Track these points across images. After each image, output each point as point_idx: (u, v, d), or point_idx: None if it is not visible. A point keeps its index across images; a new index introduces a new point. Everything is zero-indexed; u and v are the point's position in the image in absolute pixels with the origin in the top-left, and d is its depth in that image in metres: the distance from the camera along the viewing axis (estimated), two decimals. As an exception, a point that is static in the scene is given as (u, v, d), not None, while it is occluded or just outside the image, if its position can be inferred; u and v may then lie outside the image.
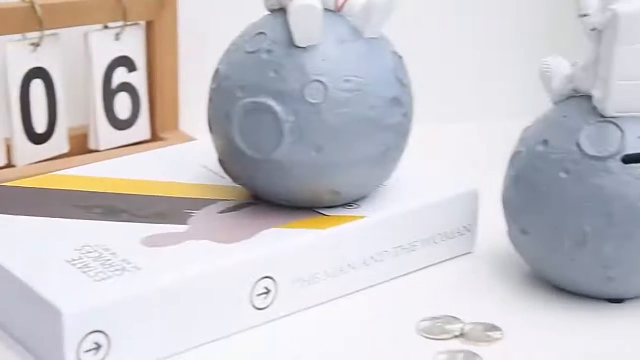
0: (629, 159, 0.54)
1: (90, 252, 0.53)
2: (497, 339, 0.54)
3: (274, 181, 0.57)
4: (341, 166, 0.56)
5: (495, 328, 0.55)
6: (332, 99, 0.55)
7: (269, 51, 0.56)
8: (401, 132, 0.58)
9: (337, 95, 0.55)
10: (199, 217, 0.58)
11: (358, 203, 0.60)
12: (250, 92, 0.56)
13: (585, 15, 0.54)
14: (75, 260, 0.53)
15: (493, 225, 0.62)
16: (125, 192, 0.60)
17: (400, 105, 0.57)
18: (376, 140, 0.57)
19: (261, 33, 0.57)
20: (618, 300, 0.57)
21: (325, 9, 0.56)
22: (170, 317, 0.52)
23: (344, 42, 0.56)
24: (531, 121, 0.59)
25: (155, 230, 0.56)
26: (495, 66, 0.86)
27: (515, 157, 0.58)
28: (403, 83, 0.58)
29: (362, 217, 0.58)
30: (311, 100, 0.55)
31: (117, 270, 0.52)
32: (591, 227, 0.54)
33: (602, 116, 0.55)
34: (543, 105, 0.59)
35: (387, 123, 0.57)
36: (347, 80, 0.55)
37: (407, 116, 0.58)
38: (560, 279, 0.57)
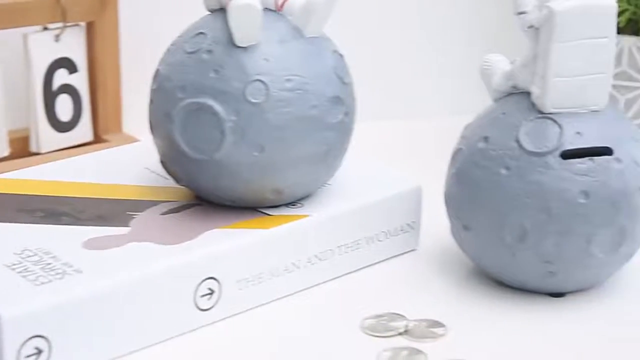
0: (567, 155, 0.54)
1: (30, 256, 0.53)
2: (441, 335, 0.54)
3: (216, 181, 0.57)
4: (283, 165, 0.56)
5: (438, 324, 0.55)
6: (273, 98, 0.55)
7: (209, 51, 0.56)
8: (343, 131, 0.58)
9: (278, 95, 0.55)
10: (141, 219, 0.57)
11: (301, 202, 0.60)
12: (190, 93, 0.55)
13: (522, 13, 0.55)
14: (14, 264, 0.52)
15: (436, 222, 0.62)
16: (67, 195, 0.60)
17: (341, 103, 0.57)
18: (318, 139, 0.57)
19: (201, 33, 0.56)
20: (559, 294, 0.58)
21: (265, 9, 0.56)
22: (112, 320, 0.51)
23: (284, 41, 0.56)
24: (472, 118, 0.59)
25: (96, 232, 0.55)
26: (436, 64, 0.87)
27: (457, 154, 0.58)
28: (344, 81, 0.58)
29: (305, 216, 0.58)
30: (252, 100, 0.55)
31: (57, 274, 0.51)
32: (531, 223, 0.54)
33: (541, 112, 0.55)
34: (484, 102, 0.60)
35: (329, 122, 0.57)
36: (288, 80, 0.55)
37: (349, 115, 0.58)
38: (502, 274, 0.58)
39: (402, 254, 0.63)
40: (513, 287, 0.58)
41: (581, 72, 0.54)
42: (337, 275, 0.60)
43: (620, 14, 0.69)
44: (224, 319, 0.55)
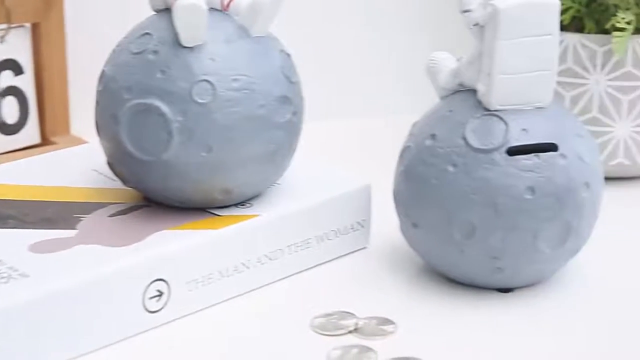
0: (513, 151, 0.55)
1: (-25, 260, 0.52)
2: (391, 332, 0.55)
3: (164, 182, 0.56)
4: (232, 165, 0.56)
5: (388, 321, 0.55)
6: (220, 98, 0.55)
7: (154, 51, 0.55)
8: (291, 130, 0.58)
9: (225, 95, 0.55)
10: (89, 221, 0.57)
11: (251, 202, 0.59)
12: (137, 93, 0.55)
13: (467, 11, 0.55)
14: (-41, 269, 0.51)
15: (386, 220, 0.63)
16: (13, 198, 0.59)
17: (289, 103, 0.57)
18: (266, 139, 0.57)
19: (146, 33, 0.56)
20: (507, 290, 0.58)
21: (211, 8, 0.56)
22: (60, 324, 0.51)
23: (230, 41, 0.56)
24: (420, 116, 0.60)
25: (43, 236, 0.55)
26: (383, 62, 0.87)
27: (405, 151, 0.59)
28: (292, 81, 0.58)
29: (255, 216, 0.58)
30: (199, 100, 0.55)
31: (2, 278, 0.51)
32: (479, 219, 0.55)
33: (487, 109, 0.56)
34: (432, 100, 0.60)
35: (277, 121, 0.57)
36: (235, 79, 0.55)
37: (297, 114, 0.59)
38: (451, 271, 0.58)
39: (353, 252, 0.63)
40: (462, 283, 0.58)
41: (526, 69, 0.55)
42: (287, 275, 0.60)
43: (564, 11, 0.70)
44: (173, 320, 0.55)
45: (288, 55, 0.59)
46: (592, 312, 0.57)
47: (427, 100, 0.63)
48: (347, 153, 0.78)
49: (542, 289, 0.59)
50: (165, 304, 0.55)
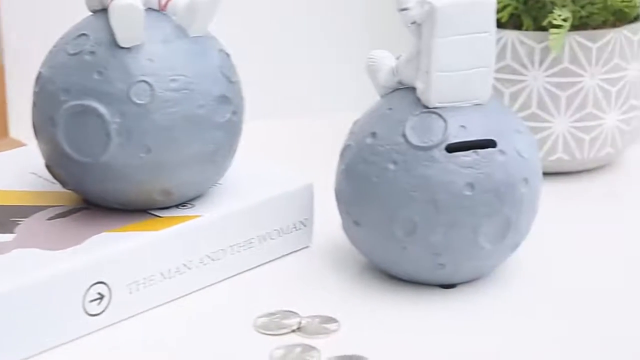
0: (452, 148, 0.55)
1: None
2: (334, 331, 0.55)
3: (103, 184, 0.56)
4: (172, 166, 0.56)
5: (331, 320, 0.55)
6: (158, 99, 0.54)
7: (91, 52, 0.55)
8: (231, 130, 0.58)
9: (163, 95, 0.55)
10: (27, 225, 0.56)
11: (192, 203, 0.59)
12: (74, 95, 0.55)
13: (404, 10, 0.55)
14: None
15: (329, 218, 0.63)
16: (-51, 202, 0.58)
17: (228, 102, 0.57)
18: (206, 139, 0.56)
19: (83, 34, 0.55)
20: (450, 286, 0.58)
21: (149, 8, 0.56)
22: (-1, 329, 0.50)
23: (168, 41, 0.55)
24: (360, 114, 0.60)
25: (-20, 240, 0.54)
26: (323, 61, 0.87)
27: (345, 150, 0.59)
28: (231, 80, 0.58)
29: (196, 217, 0.58)
30: (137, 101, 0.54)
31: (-62, 283, 0.50)
32: (419, 216, 0.55)
33: (426, 107, 0.56)
34: (373, 98, 0.60)
35: (216, 121, 0.57)
36: (173, 80, 0.55)
37: (237, 113, 0.58)
38: (393, 268, 0.58)
39: (295, 251, 0.63)
40: (405, 280, 0.59)
41: (463, 66, 0.55)
42: (230, 275, 0.60)
43: (502, 8, 0.71)
44: (115, 323, 0.55)
45: (227, 54, 0.59)
46: (533, 306, 0.58)
47: (367, 98, 0.63)
48: (288, 152, 0.78)
49: (483, 284, 0.59)
50: (107, 307, 0.54)
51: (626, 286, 0.60)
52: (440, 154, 0.55)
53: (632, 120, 0.73)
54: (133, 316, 0.55)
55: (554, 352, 0.53)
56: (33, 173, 0.62)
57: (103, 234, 0.55)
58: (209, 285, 0.59)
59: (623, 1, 0.71)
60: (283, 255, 0.62)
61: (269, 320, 0.55)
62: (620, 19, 0.73)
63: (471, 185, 0.55)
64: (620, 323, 0.56)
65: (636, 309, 0.57)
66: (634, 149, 0.77)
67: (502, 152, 0.56)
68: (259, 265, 0.61)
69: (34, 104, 0.57)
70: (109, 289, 0.54)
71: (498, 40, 0.70)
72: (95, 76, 0.54)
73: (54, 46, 0.57)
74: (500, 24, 0.71)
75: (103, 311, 0.54)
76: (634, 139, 0.75)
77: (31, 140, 0.67)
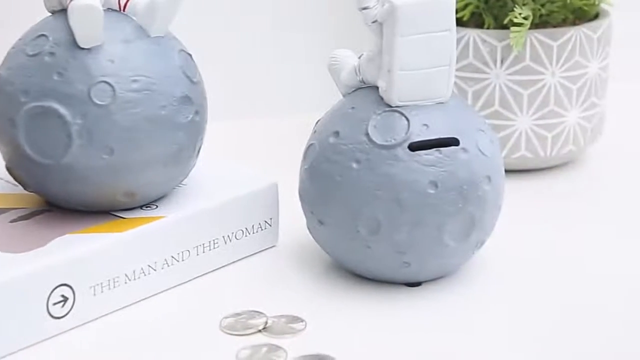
0: (415, 146, 0.55)
1: None
2: (300, 330, 0.55)
3: (66, 186, 0.55)
4: (134, 167, 0.56)
5: (298, 319, 0.55)
6: (120, 100, 0.54)
7: (51, 53, 0.54)
8: (194, 130, 0.58)
9: (125, 96, 0.54)
10: (-11, 228, 0.55)
11: (156, 203, 0.59)
12: (34, 96, 0.54)
13: (365, 9, 0.55)
14: None
15: (294, 218, 0.63)
16: None
17: (190, 103, 0.57)
18: (169, 139, 0.56)
19: (42, 35, 0.55)
20: (415, 284, 0.59)
21: (109, 9, 0.56)
22: (-40, 334, 0.49)
23: (129, 41, 0.55)
24: (323, 114, 0.60)
25: (-59, 244, 0.53)
26: (288, 60, 0.87)
27: (309, 149, 0.59)
28: (193, 81, 0.58)
29: (160, 218, 0.58)
30: (98, 102, 0.54)
31: None
32: (383, 215, 0.55)
33: (388, 106, 0.56)
34: (336, 97, 0.60)
35: (179, 121, 0.56)
36: (134, 80, 0.55)
37: (200, 114, 0.58)
38: (358, 267, 0.58)
39: (261, 251, 0.63)
40: (370, 279, 0.59)
41: (425, 65, 0.55)
42: (195, 276, 0.60)
43: (464, 7, 0.71)
44: (79, 325, 0.54)
45: (189, 55, 0.58)
46: (498, 304, 0.58)
47: (330, 97, 0.63)
48: (252, 152, 0.78)
49: (449, 282, 0.59)
50: (70, 309, 0.54)
51: (590, 283, 0.60)
52: (403, 152, 0.55)
53: (593, 117, 0.74)
54: (98, 318, 0.55)
55: (519, 349, 0.54)
56: (-6, 176, 0.61)
57: (66, 236, 0.55)
58: (174, 287, 0.59)
59: (582, -1, 0.72)
60: (248, 255, 0.62)
61: (234, 321, 0.55)
62: (579, 17, 0.74)
63: (434, 184, 0.55)
64: (584, 320, 0.56)
65: (600, 305, 0.58)
66: (596, 147, 0.78)
67: (464, 150, 0.56)
68: (224, 266, 0.61)
69: (-6, 106, 0.57)
70: (73, 292, 0.54)
71: (460, 38, 0.71)
72: (55, 77, 0.54)
73: (12, 47, 0.57)
74: (462, 23, 0.72)
75: (67, 313, 0.54)
76: (596, 137, 0.76)
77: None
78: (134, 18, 0.56)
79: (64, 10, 0.55)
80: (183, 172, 0.59)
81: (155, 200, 0.59)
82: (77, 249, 0.54)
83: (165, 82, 0.56)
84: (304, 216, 0.60)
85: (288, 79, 0.87)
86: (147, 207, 0.59)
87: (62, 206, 0.57)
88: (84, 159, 0.54)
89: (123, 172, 0.55)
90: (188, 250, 0.59)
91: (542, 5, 0.71)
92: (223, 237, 0.60)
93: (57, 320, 0.53)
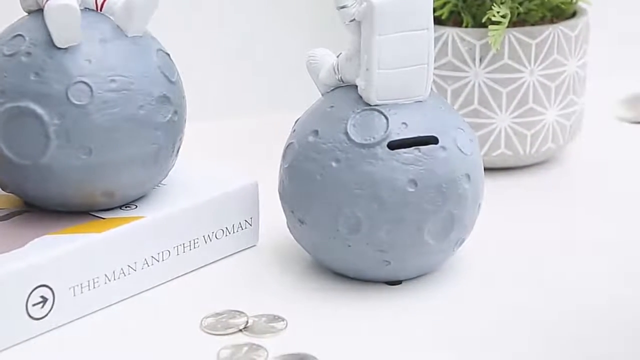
0: (394, 145, 0.55)
1: None
2: (281, 329, 0.55)
3: (44, 187, 0.55)
4: (113, 167, 0.55)
5: (278, 318, 0.55)
6: (98, 100, 0.54)
7: (28, 53, 0.54)
8: (173, 130, 0.58)
9: (103, 96, 0.54)
10: (-33, 229, 0.55)
11: (135, 203, 0.59)
12: (11, 97, 0.54)
13: (343, 7, 0.55)
14: None
15: (275, 217, 0.63)
16: None
17: (169, 102, 0.57)
18: (147, 139, 0.56)
19: (19, 35, 0.55)
20: (395, 282, 0.59)
21: (86, 8, 0.55)
22: (-61, 336, 0.49)
23: (106, 41, 0.55)
24: (303, 113, 0.60)
25: None
26: (266, 59, 0.87)
27: (288, 148, 0.59)
28: (171, 80, 0.58)
29: (140, 218, 0.57)
30: (76, 102, 0.54)
31: None
32: (364, 213, 0.55)
33: (367, 104, 0.56)
34: (315, 96, 0.60)
35: (158, 121, 0.56)
36: (112, 80, 0.55)
37: (178, 113, 0.58)
38: (339, 266, 0.58)
39: (242, 250, 0.63)
40: (351, 277, 0.59)
41: (403, 63, 0.56)
42: (175, 276, 0.59)
43: (442, 5, 0.72)
44: (59, 326, 0.54)
45: (167, 54, 0.58)
46: (478, 302, 0.58)
47: (309, 96, 0.64)
48: (232, 152, 0.78)
49: (430, 280, 0.60)
50: (50, 310, 0.53)
51: (570, 280, 0.60)
52: (382, 151, 0.55)
53: (571, 115, 0.74)
54: (77, 319, 0.55)
55: (500, 347, 0.54)
56: (-27, 177, 0.61)
57: (45, 236, 0.55)
58: (154, 286, 0.58)
59: (560, -3, 0.72)
60: (229, 255, 0.62)
61: (215, 321, 0.55)
62: (557, 15, 0.74)
63: (414, 182, 0.55)
64: (565, 316, 0.57)
65: (581, 302, 0.58)
66: (574, 144, 0.78)
67: (443, 148, 0.56)
68: (204, 266, 0.61)
69: (-29, 107, 0.56)
70: (53, 292, 0.53)
71: (439, 37, 0.71)
72: (32, 77, 0.54)
73: None
74: (440, 21, 0.72)
75: (47, 314, 0.53)
76: (575, 134, 0.76)
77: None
78: (111, 18, 0.56)
79: (40, 10, 0.55)
80: (162, 172, 0.59)
81: (135, 200, 0.59)
82: (56, 249, 0.54)
83: (143, 81, 0.55)
84: (284, 215, 0.60)
85: (267, 77, 0.87)
86: (126, 207, 0.58)
87: (41, 207, 0.57)
88: (62, 159, 0.54)
89: (101, 173, 0.55)
90: (168, 251, 0.59)
91: (520, 4, 0.72)
92: (203, 236, 0.60)
93: (37, 321, 0.53)
